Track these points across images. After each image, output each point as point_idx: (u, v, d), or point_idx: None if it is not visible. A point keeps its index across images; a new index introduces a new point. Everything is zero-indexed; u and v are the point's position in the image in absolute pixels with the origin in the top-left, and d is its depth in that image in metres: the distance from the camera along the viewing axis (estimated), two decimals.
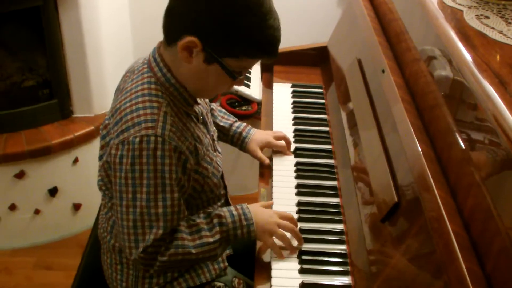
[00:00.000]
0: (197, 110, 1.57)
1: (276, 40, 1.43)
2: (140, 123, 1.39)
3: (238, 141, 1.92)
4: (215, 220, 1.49)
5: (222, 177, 1.68)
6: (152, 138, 1.38)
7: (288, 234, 1.54)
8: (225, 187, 1.72)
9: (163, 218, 1.41)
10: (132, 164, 1.39)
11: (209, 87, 1.50)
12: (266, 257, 1.54)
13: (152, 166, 1.39)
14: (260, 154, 1.89)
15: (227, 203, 1.73)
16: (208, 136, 1.62)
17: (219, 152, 1.71)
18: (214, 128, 1.75)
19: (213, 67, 1.42)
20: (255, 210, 1.54)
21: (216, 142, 1.71)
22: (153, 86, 1.45)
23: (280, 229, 1.53)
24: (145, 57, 1.54)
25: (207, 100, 1.76)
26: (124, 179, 1.41)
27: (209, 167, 1.57)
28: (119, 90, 1.56)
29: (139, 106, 1.42)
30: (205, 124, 1.63)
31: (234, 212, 1.51)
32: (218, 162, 1.65)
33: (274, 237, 1.53)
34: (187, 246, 1.44)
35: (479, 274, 1.01)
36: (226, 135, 1.92)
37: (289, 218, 1.56)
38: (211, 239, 1.47)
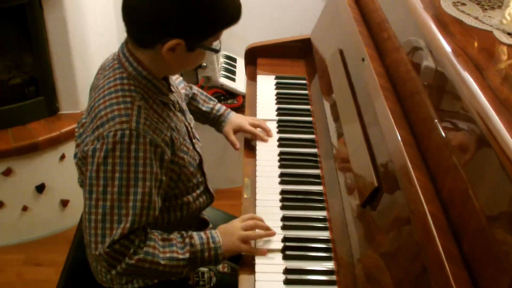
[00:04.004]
0: (172, 98, 1.58)
1: (239, 3, 1.46)
2: (114, 118, 1.40)
3: (216, 123, 1.96)
4: (187, 240, 1.49)
5: (200, 164, 1.68)
6: (127, 132, 1.39)
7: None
8: (203, 174, 1.71)
9: (132, 212, 1.40)
10: (105, 157, 1.39)
11: (185, 68, 1.58)
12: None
13: (126, 160, 1.39)
14: (231, 137, 1.92)
15: (206, 191, 1.73)
16: (186, 124, 1.63)
17: (198, 139, 1.72)
18: (191, 116, 1.76)
19: (196, 52, 1.45)
20: (221, 231, 1.54)
21: (194, 130, 1.71)
22: (125, 81, 1.46)
23: (248, 231, 1.54)
24: (114, 53, 1.55)
25: (181, 87, 1.80)
26: (96, 172, 1.40)
27: (185, 156, 1.57)
28: (93, 88, 1.56)
29: (113, 101, 1.43)
30: (182, 111, 1.63)
31: (203, 236, 1.52)
32: (197, 150, 1.66)
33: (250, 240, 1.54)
34: (157, 255, 1.44)
35: (455, 253, 1.04)
36: (207, 118, 1.96)
37: (249, 218, 1.58)
38: (181, 256, 1.46)
